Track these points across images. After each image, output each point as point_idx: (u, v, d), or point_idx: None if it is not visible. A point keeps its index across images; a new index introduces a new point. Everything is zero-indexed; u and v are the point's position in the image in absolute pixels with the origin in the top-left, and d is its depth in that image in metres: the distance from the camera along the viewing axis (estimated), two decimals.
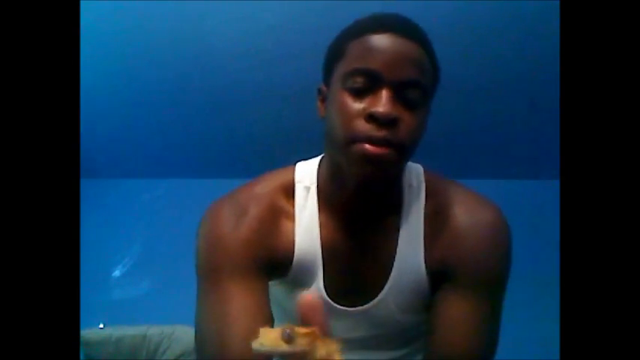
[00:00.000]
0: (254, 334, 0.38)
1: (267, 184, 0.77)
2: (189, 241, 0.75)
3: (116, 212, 3.04)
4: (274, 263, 0.73)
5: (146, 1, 2.03)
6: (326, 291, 0.75)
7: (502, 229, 0.75)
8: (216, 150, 2.91)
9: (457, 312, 0.71)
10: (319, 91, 0.75)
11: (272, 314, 0.72)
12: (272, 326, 0.69)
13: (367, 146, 0.63)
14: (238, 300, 0.68)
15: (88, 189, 1.88)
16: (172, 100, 2.62)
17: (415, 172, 0.78)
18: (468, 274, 0.72)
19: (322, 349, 0.38)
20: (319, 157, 0.80)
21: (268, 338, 0.38)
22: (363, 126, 0.64)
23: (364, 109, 0.65)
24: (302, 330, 0.38)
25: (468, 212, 0.75)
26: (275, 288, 0.78)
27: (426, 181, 0.77)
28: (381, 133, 0.63)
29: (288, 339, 0.37)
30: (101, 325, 2.41)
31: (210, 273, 0.71)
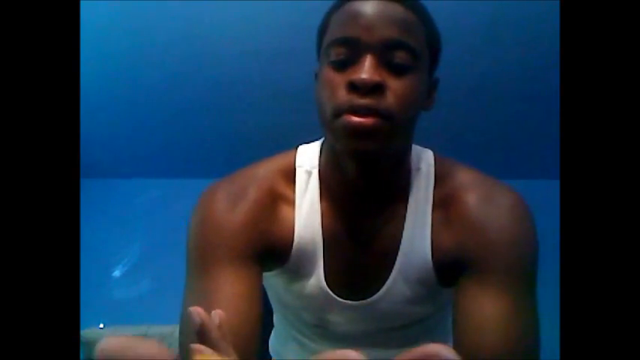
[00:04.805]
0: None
1: (266, 168, 0.73)
2: None
3: (116, 212, 3.03)
4: (271, 251, 0.69)
5: (146, 1, 2.03)
6: (326, 282, 0.71)
7: (523, 213, 0.68)
8: (216, 150, 2.90)
9: (484, 308, 0.62)
10: (316, 75, 0.70)
11: (262, 306, 0.68)
12: (261, 319, 0.65)
13: (352, 117, 0.59)
14: (227, 289, 0.63)
15: (88, 189, 1.89)
16: (172, 101, 2.62)
17: (425, 156, 0.73)
18: (490, 265, 0.64)
19: None
20: (322, 140, 0.75)
21: None
22: (345, 96, 0.60)
23: (346, 79, 0.61)
24: None
25: (483, 198, 0.68)
26: (273, 279, 0.75)
27: (437, 166, 0.72)
28: (364, 101, 0.59)
29: None
30: (101, 325, 2.41)
31: (201, 258, 0.67)
